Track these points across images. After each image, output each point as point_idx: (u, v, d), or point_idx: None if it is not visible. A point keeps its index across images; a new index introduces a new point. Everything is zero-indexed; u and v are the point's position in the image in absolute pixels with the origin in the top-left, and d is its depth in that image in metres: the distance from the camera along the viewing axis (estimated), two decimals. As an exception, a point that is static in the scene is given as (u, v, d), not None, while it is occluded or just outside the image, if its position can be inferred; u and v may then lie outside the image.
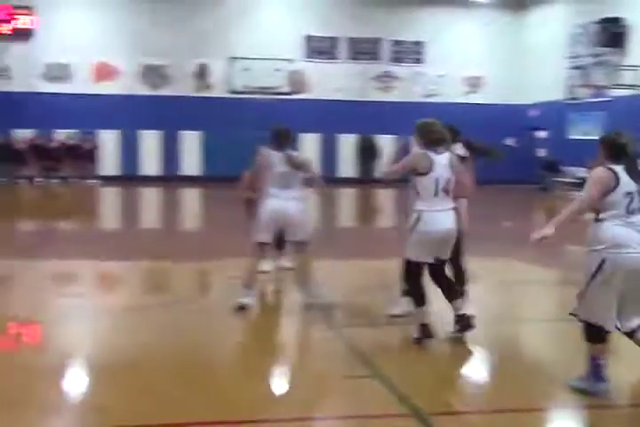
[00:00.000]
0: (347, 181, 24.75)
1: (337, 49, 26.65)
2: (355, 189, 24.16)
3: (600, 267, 4.63)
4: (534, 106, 26.58)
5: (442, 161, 5.84)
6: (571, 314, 4.89)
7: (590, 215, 4.82)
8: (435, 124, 5.98)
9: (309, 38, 26.31)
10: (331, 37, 26.45)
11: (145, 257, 10.51)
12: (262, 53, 24.79)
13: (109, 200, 22.07)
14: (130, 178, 24.24)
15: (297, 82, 25.72)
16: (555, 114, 24.93)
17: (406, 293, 6.37)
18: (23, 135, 24.23)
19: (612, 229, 4.65)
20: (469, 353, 6.03)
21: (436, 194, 5.79)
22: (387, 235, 13.75)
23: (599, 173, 4.71)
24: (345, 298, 7.74)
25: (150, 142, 25.17)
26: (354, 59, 26.77)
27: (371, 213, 19.00)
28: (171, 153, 25.38)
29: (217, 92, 25.67)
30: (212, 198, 20.45)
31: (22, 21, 24.24)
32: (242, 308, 6.94)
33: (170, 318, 6.94)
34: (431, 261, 5.92)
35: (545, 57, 25.72)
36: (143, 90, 25.42)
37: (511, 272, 10.02)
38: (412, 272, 5.98)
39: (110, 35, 24.82)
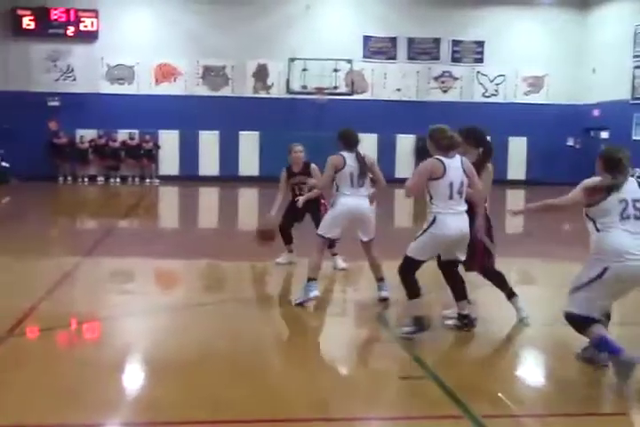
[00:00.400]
0: (405, 182, 24.60)
1: (396, 49, 26.56)
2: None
3: (601, 274, 4.96)
4: (597, 106, 26.10)
5: (454, 164, 6.01)
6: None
7: (589, 224, 5.15)
8: (446, 130, 6.08)
9: (368, 39, 26.27)
10: (390, 37, 26.38)
11: (203, 256, 10.63)
12: (321, 54, 24.84)
13: (168, 200, 22.37)
14: (189, 178, 24.53)
15: (355, 82, 25.71)
16: (619, 114, 24.42)
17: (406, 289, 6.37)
18: (86, 135, 24.72)
19: (612, 237, 4.98)
20: (526, 356, 5.96)
21: (451, 197, 5.99)
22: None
23: (592, 180, 5.15)
24: (402, 298, 7.72)
25: (209, 143, 25.43)
26: (413, 59, 26.64)
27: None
28: (229, 153, 25.60)
29: (275, 92, 25.83)
30: (269, 198, 20.56)
31: (86, 24, 24.74)
32: (303, 303, 7.20)
33: (227, 316, 7.00)
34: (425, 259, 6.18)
35: (608, 56, 25.23)
36: (203, 91, 25.70)
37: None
38: (410, 268, 6.13)
39: (171, 36, 25.16)
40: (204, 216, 18.06)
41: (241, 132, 25.54)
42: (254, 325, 6.68)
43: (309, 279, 7.24)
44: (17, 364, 5.50)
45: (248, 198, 22.51)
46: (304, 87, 25.17)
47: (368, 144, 25.14)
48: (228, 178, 24.81)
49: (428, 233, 6.02)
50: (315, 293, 7.22)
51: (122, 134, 24.90)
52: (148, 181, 24.68)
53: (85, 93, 24.76)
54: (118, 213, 16.98)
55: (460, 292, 6.35)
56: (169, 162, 25.35)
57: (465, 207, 6.08)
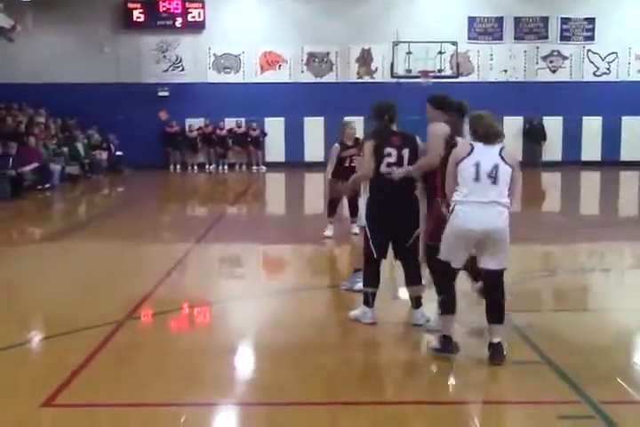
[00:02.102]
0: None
1: (502, 29, 25.95)
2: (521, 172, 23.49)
3: None
4: None
5: (489, 151, 5.35)
6: None
7: None
8: (489, 117, 5.43)
9: (473, 19, 25.77)
10: (496, 17, 25.78)
11: (310, 241, 10.71)
12: (425, 37, 24.50)
13: (275, 186, 22.63)
14: (295, 164, 24.73)
15: (461, 64, 25.30)
16: None
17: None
18: (194, 124, 25.23)
19: None
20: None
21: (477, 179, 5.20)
22: (550, 219, 13.37)
23: None
24: (509, 283, 7.59)
25: (314, 129, 25.54)
26: (520, 39, 25.96)
27: (537, 198, 18.46)
28: (334, 139, 25.62)
29: (380, 76, 25.69)
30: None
31: (193, 15, 25.22)
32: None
33: (336, 300, 7.05)
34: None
35: None
36: (307, 77, 25.81)
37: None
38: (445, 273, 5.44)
39: (275, 24, 25.35)
40: (310, 202, 18.20)
41: (346, 118, 25.54)
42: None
43: (358, 270, 6.84)
44: (135, 346, 5.70)
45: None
46: (408, 71, 24.91)
47: (474, 127, 24.79)
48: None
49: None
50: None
51: (229, 122, 25.29)
52: (254, 168, 25.01)
53: (193, 83, 25.27)
54: (227, 199, 17.31)
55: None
56: (275, 149, 25.60)
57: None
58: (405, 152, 6.05)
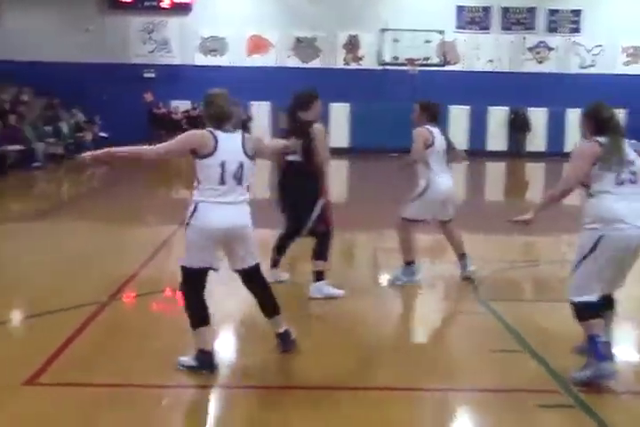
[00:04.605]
0: (496, 155, 24.29)
1: (489, 19, 25.98)
2: (504, 162, 23.63)
3: (595, 245, 4.45)
4: (701, 77, 25.02)
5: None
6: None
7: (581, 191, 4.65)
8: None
9: (461, 8, 25.76)
10: (483, 7, 25.80)
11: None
12: (413, 25, 24.50)
13: (259, 171, 22.53)
14: (279, 149, 24.68)
15: (447, 53, 25.32)
16: None
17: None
18: (180, 106, 25.10)
19: (605, 203, 4.47)
20: (625, 332, 5.84)
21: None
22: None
23: (584, 147, 4.59)
24: (493, 272, 7.66)
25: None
26: (507, 29, 26.01)
27: (519, 188, 18.57)
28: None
29: (366, 63, 25.66)
30: (362, 170, 20.60)
31: (181, -4, 25.04)
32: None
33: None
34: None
35: None
36: (294, 62, 25.74)
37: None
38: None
39: (263, 8, 25.22)
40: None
41: (331, 104, 25.53)
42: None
43: (408, 263, 7.09)
44: (119, 326, 5.71)
45: (340, 171, 22.54)
46: (395, 58, 24.94)
47: (460, 116, 24.87)
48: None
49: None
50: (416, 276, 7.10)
51: (214, 106, 25.18)
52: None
53: (180, 65, 25.14)
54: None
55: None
56: (260, 133, 25.50)
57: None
58: None
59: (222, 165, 4.65)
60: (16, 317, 6.14)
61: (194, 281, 4.83)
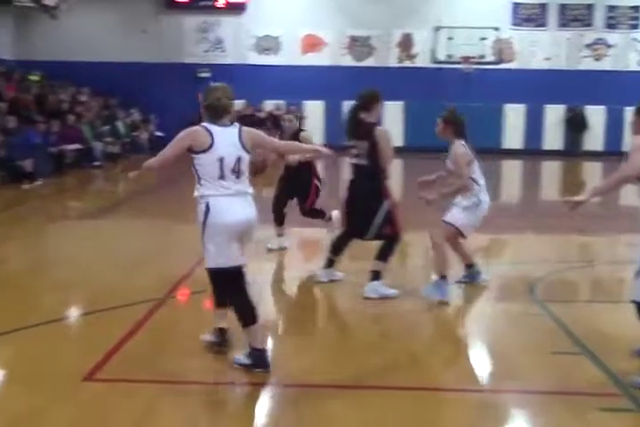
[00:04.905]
0: (552, 154, 23.94)
1: (546, 16, 25.60)
2: (560, 161, 23.28)
3: None
4: None
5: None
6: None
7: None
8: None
9: (517, 5, 25.42)
10: (540, 4, 25.42)
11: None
12: (467, 22, 24.28)
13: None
14: (332, 148, 24.62)
15: (503, 51, 25.03)
16: None
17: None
18: (235, 106, 25.26)
19: None
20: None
21: None
22: (590, 209, 13.21)
23: None
24: (549, 273, 7.55)
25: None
26: (564, 26, 25.60)
27: (576, 187, 18.28)
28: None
29: (420, 62, 25.52)
30: (418, 169, 20.46)
31: (235, -4, 25.21)
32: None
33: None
34: None
35: None
36: (348, 61, 25.72)
37: None
38: None
39: (318, 7, 25.24)
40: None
41: (386, 103, 25.42)
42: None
43: (442, 277, 6.49)
44: (174, 324, 5.78)
45: (395, 170, 22.44)
46: (449, 56, 24.75)
47: (515, 115, 24.58)
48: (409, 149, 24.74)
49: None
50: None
51: (268, 105, 25.32)
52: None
53: (234, 64, 25.30)
54: (265, 181, 17.30)
55: None
56: (313, 132, 25.48)
57: None
58: None
59: (221, 160, 4.66)
60: (74, 314, 6.24)
61: (229, 281, 4.77)
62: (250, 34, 25.47)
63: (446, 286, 6.46)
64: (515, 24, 25.45)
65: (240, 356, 4.82)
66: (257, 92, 24.78)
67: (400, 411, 4.21)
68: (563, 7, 25.46)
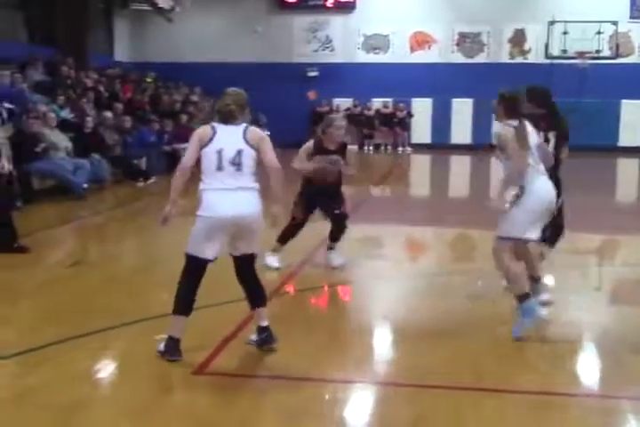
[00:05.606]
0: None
1: (667, 8, 24.60)
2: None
3: None
4: None
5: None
6: None
7: None
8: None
9: (636, -3, 24.56)
10: (661, -5, 24.48)
11: (455, 224, 10.59)
12: (583, 16, 23.57)
13: (420, 168, 22.47)
14: (440, 146, 24.46)
15: (621, 45, 24.17)
16: None
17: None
18: (342, 104, 25.37)
19: None
20: None
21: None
22: None
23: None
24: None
25: (462, 110, 25.14)
26: (686, 18, 24.56)
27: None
28: (482, 121, 25.14)
29: (533, 57, 24.96)
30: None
31: (344, -5, 25.31)
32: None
33: (471, 287, 6.94)
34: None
35: None
36: (457, 58, 25.42)
37: None
38: None
39: (426, 4, 25.07)
40: (455, 184, 17.97)
41: (495, 100, 24.97)
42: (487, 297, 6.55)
43: (523, 297, 5.43)
44: (282, 320, 5.81)
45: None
46: (564, 51, 24.08)
47: (634, 111, 23.71)
48: (479, 146, 24.42)
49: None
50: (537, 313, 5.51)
51: (376, 103, 25.30)
52: (400, 149, 24.94)
53: (342, 63, 25.41)
54: (372, 180, 17.32)
55: None
56: (421, 130, 25.41)
57: None
58: None
59: (219, 151, 4.73)
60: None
61: (190, 269, 4.89)
62: (359, 33, 25.52)
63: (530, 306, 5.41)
64: (633, 17, 24.56)
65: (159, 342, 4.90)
66: (365, 90, 24.82)
67: (516, 414, 4.13)
68: (685, -2, 24.42)
